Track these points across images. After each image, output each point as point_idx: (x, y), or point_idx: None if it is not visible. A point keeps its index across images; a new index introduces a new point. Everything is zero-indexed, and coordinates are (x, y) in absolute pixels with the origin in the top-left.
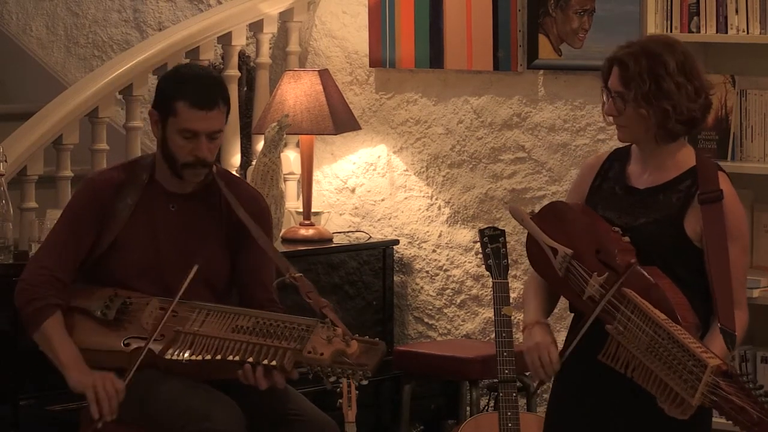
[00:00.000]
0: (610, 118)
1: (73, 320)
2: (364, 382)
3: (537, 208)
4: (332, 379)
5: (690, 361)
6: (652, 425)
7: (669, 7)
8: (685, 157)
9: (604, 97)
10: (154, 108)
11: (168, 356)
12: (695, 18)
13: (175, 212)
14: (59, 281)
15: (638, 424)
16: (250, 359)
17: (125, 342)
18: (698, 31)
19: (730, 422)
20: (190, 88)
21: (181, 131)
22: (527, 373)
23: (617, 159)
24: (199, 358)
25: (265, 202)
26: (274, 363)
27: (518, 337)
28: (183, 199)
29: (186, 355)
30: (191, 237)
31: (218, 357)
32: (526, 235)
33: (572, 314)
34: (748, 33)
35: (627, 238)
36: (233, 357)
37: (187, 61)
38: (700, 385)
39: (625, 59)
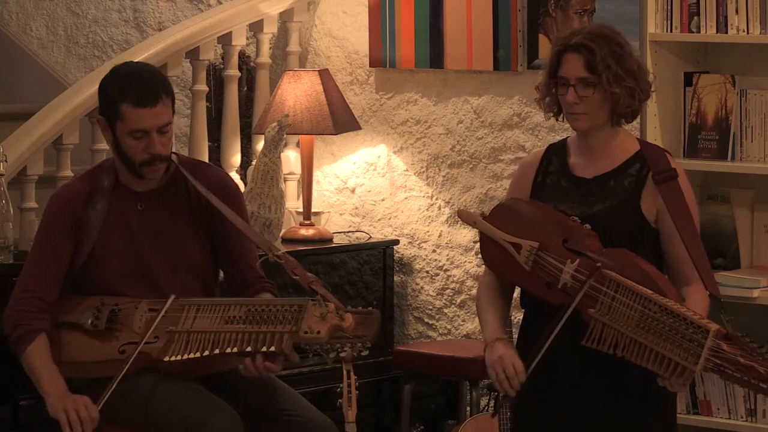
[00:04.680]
0: (551, 114)
1: (64, 337)
2: (365, 353)
3: (486, 210)
4: (332, 354)
5: (689, 329)
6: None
7: (669, 7)
8: (629, 142)
9: (557, 90)
10: (101, 114)
11: (166, 358)
12: (695, 18)
13: (145, 210)
14: (44, 302)
15: (607, 415)
16: (249, 348)
17: (120, 350)
18: (698, 31)
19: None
20: (131, 88)
21: (131, 132)
22: None
23: (555, 154)
24: (198, 355)
25: (233, 181)
26: (273, 348)
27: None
28: (150, 196)
29: (184, 354)
30: (166, 232)
31: (216, 351)
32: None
33: (523, 309)
34: (748, 33)
35: (588, 226)
36: (231, 349)
37: (187, 61)
38: (704, 350)
39: (587, 44)
